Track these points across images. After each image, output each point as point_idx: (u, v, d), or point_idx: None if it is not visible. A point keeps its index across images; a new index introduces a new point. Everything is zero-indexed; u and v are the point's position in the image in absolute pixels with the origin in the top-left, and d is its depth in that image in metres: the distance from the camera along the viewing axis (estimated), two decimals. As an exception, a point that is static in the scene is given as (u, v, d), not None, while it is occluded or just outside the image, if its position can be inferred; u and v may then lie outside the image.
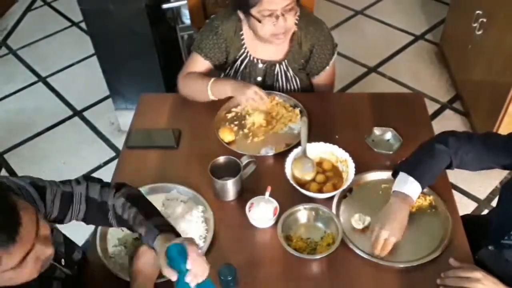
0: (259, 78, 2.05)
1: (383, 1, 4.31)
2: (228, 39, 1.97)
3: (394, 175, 1.55)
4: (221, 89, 1.91)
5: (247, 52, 2.00)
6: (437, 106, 3.28)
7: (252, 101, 1.86)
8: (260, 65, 2.02)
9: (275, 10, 1.78)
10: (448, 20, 3.57)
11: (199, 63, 2.00)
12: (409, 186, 1.47)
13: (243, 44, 1.98)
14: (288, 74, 2.04)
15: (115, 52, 2.85)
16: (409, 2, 4.28)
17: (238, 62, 2.02)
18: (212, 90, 1.90)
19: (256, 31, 1.86)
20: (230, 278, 1.30)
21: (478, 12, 2.83)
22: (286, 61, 2.01)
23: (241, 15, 1.88)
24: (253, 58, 2.01)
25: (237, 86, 1.89)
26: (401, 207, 1.46)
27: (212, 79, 1.91)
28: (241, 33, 1.96)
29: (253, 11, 1.79)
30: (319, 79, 2.07)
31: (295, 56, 2.00)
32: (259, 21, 1.80)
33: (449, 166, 1.53)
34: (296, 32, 1.93)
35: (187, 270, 1.18)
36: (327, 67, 2.03)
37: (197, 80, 1.96)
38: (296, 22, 1.90)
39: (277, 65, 2.02)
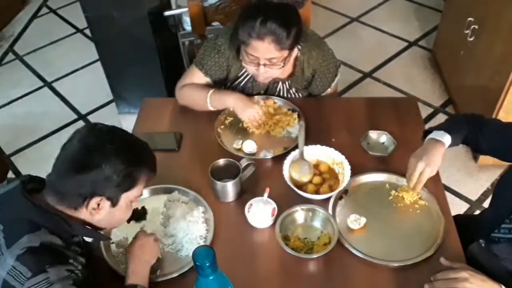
0: (262, 92, 2.02)
1: (378, 8, 4.32)
2: (231, 58, 1.93)
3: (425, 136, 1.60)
4: (221, 101, 1.87)
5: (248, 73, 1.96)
6: (430, 110, 3.28)
7: (254, 118, 1.83)
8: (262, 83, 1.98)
9: (257, 58, 1.75)
10: (441, 27, 3.58)
11: (198, 79, 1.96)
12: (441, 135, 1.54)
13: None
14: (291, 91, 2.02)
15: (118, 57, 2.85)
16: (403, 9, 4.29)
17: (240, 79, 1.99)
18: (212, 101, 1.88)
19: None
20: (207, 263, 1.04)
21: (470, 19, 2.84)
22: (289, 81, 1.98)
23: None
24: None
25: (239, 101, 1.85)
26: (435, 146, 1.52)
27: (212, 90, 1.88)
28: None
29: (242, 47, 1.78)
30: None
31: (298, 79, 1.97)
32: (242, 60, 1.81)
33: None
34: (299, 57, 1.89)
35: (211, 273, 1.08)
36: (329, 89, 2.02)
37: (196, 90, 1.93)
38: (299, 48, 1.86)
39: (280, 83, 1.98)
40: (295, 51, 1.85)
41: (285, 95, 2.02)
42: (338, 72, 2.01)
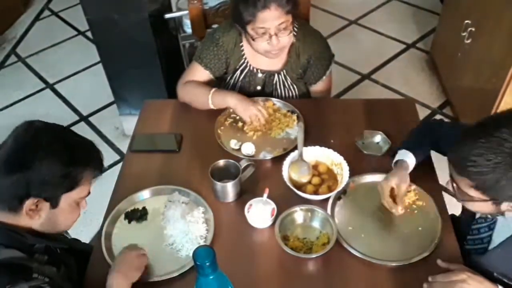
0: (259, 87, 2.05)
1: (376, 11, 4.33)
2: (229, 51, 1.97)
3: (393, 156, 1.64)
4: (223, 100, 1.88)
5: (247, 62, 2.00)
6: (428, 112, 3.29)
7: (255, 117, 1.83)
8: (260, 75, 2.01)
9: (268, 29, 1.77)
10: (439, 29, 3.58)
11: (199, 72, 1.99)
12: (405, 155, 1.58)
13: (243, 55, 1.98)
14: (286, 83, 2.03)
15: (119, 59, 2.85)
16: (401, 12, 4.30)
17: (238, 72, 2.02)
18: (213, 100, 1.89)
19: (251, 46, 1.88)
20: (207, 263, 1.05)
21: (467, 21, 2.85)
22: (284, 71, 2.00)
23: (239, 28, 1.88)
24: (253, 68, 2.00)
25: (239, 100, 1.86)
26: (400, 168, 1.56)
27: (214, 89, 1.90)
28: (241, 44, 1.96)
29: (248, 28, 1.80)
30: (317, 87, 2.07)
31: (293, 66, 1.99)
32: (253, 39, 1.81)
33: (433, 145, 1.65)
34: (294, 43, 1.92)
35: (211, 272, 1.08)
36: (324, 77, 2.03)
37: (197, 88, 1.95)
38: (295, 33, 1.90)
39: (276, 75, 2.01)
40: (289, 44, 1.89)
41: (281, 87, 2.04)
42: (332, 62, 2.04)
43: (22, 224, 1.21)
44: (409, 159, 1.58)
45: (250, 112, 1.83)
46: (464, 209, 1.57)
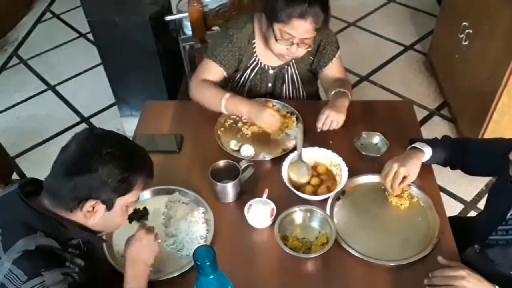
0: (270, 84, 2.05)
1: (374, 13, 4.34)
2: (242, 47, 1.95)
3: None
4: (236, 107, 1.85)
5: (258, 60, 1.99)
6: (425, 113, 3.29)
7: (270, 123, 1.82)
8: (271, 71, 2.01)
9: (293, 37, 1.77)
10: (436, 31, 3.59)
11: (213, 69, 1.95)
12: (422, 146, 1.60)
13: (255, 52, 1.97)
14: (295, 78, 2.04)
15: (120, 61, 2.85)
16: (399, 14, 4.30)
17: (249, 70, 2.01)
18: (227, 105, 1.86)
19: (268, 41, 1.86)
20: (208, 263, 1.05)
21: (464, 23, 2.85)
22: (294, 61, 2.00)
23: (263, 19, 1.86)
24: (264, 65, 2.00)
25: (252, 109, 1.83)
26: (414, 152, 1.60)
27: (228, 94, 1.86)
28: (253, 41, 1.95)
29: (276, 26, 1.78)
30: (328, 71, 2.03)
31: (303, 55, 1.96)
32: (276, 39, 1.81)
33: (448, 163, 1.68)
34: None
35: (211, 272, 1.09)
36: (334, 59, 2.02)
37: (212, 89, 1.90)
38: None
39: (286, 68, 2.01)
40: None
41: (290, 83, 2.05)
42: (339, 45, 2.05)
43: (74, 220, 1.26)
44: (425, 150, 1.59)
45: (264, 119, 1.81)
46: (491, 203, 1.59)
